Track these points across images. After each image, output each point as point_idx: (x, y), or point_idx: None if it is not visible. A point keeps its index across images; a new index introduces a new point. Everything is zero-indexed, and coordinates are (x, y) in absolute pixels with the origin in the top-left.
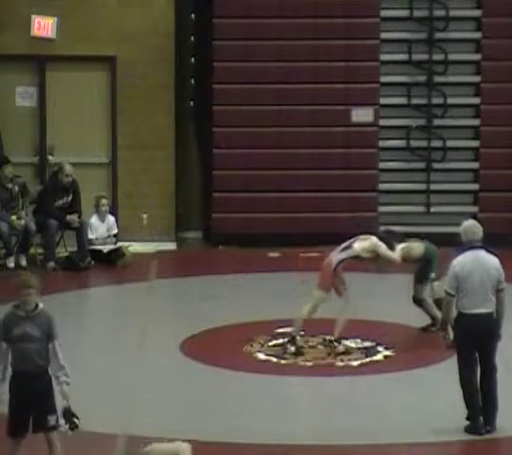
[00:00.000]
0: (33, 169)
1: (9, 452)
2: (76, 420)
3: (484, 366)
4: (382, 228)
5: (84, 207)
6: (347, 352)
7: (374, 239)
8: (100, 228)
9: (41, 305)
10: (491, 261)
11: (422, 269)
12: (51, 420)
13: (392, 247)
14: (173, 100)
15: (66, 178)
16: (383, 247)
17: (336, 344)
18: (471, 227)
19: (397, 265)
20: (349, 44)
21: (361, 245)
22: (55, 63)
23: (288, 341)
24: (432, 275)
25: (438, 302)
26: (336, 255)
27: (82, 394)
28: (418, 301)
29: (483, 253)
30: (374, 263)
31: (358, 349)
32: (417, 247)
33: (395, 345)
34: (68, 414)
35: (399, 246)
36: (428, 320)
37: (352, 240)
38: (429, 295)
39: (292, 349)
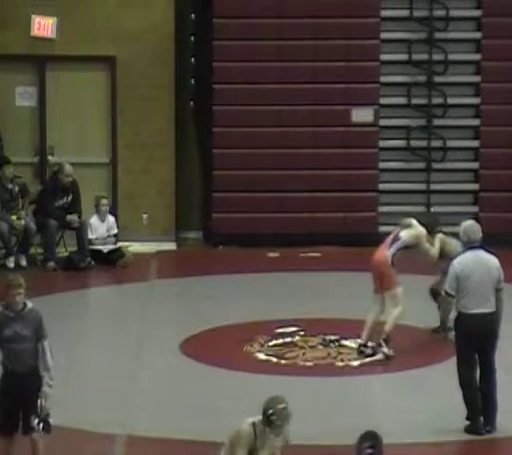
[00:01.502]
0: (33, 169)
1: (4, 451)
2: (46, 423)
3: (483, 366)
4: (425, 212)
5: (84, 207)
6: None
7: (417, 228)
8: (100, 228)
9: (29, 304)
10: (491, 260)
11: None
12: (34, 422)
13: (433, 231)
14: (173, 100)
15: (66, 178)
16: (425, 239)
17: (367, 351)
18: (471, 227)
19: (432, 260)
20: (349, 44)
21: (408, 233)
22: (55, 63)
23: (379, 345)
24: None
25: (434, 293)
26: (386, 250)
27: (82, 394)
28: (434, 294)
29: (482, 253)
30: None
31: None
32: (452, 244)
33: (395, 345)
34: (43, 415)
35: (438, 237)
36: (429, 320)
37: (395, 232)
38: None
39: (385, 351)
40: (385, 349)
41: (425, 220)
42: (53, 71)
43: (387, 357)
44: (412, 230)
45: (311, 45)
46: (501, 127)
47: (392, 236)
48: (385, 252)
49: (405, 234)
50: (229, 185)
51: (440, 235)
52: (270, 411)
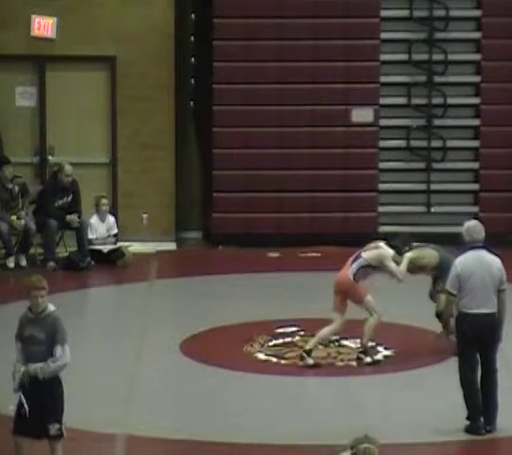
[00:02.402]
0: (33, 169)
1: (14, 452)
2: (59, 429)
3: (484, 366)
4: (396, 232)
5: (84, 207)
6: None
7: (382, 248)
8: (100, 228)
9: (51, 308)
10: (493, 261)
11: (437, 280)
12: (52, 429)
13: (400, 253)
14: (173, 100)
15: (66, 178)
16: (389, 260)
17: (362, 355)
18: (475, 227)
19: (398, 281)
20: (349, 44)
21: (370, 254)
22: (55, 63)
23: (362, 352)
24: (442, 285)
25: (439, 315)
26: (348, 269)
27: (83, 394)
28: (439, 315)
29: (484, 253)
30: (386, 272)
31: (357, 349)
32: (430, 257)
33: (395, 345)
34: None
35: (407, 256)
36: (428, 320)
37: (360, 250)
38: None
39: (367, 359)
40: (367, 359)
41: (394, 242)
42: (53, 71)
43: (375, 362)
44: (375, 251)
45: (311, 45)
46: (501, 127)
47: (354, 255)
48: (347, 272)
49: (366, 254)
50: (229, 185)
51: (408, 254)
52: (353, 451)
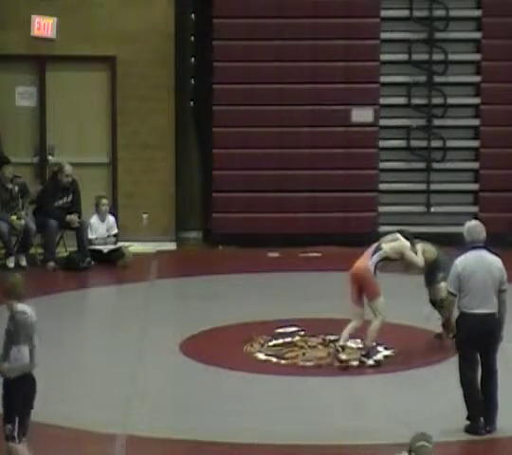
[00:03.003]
0: (33, 169)
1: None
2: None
3: (485, 366)
4: (397, 229)
5: (84, 207)
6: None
7: (401, 240)
8: (100, 228)
9: (17, 308)
10: (494, 261)
11: (431, 273)
12: (6, 429)
13: (413, 246)
14: (173, 100)
15: (66, 178)
16: (409, 250)
17: (364, 359)
18: (475, 227)
19: (419, 269)
20: (349, 44)
21: (390, 245)
22: (55, 63)
23: (365, 355)
24: (441, 275)
25: (441, 303)
26: (369, 260)
27: (82, 394)
28: (433, 303)
29: (485, 253)
30: (402, 264)
31: (358, 349)
32: (430, 252)
33: (395, 345)
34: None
35: (418, 248)
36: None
37: (378, 242)
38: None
39: (370, 362)
40: (370, 361)
41: (405, 234)
42: (53, 71)
43: (377, 364)
44: (394, 243)
45: (311, 45)
46: (501, 127)
47: (373, 247)
48: (367, 262)
49: (386, 246)
50: (229, 185)
51: (419, 245)
52: (410, 449)
